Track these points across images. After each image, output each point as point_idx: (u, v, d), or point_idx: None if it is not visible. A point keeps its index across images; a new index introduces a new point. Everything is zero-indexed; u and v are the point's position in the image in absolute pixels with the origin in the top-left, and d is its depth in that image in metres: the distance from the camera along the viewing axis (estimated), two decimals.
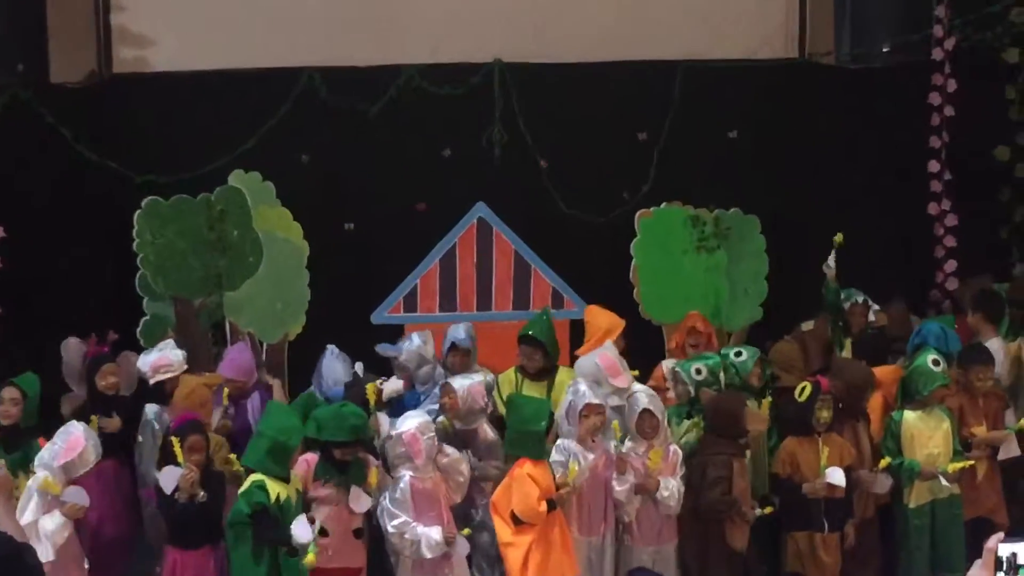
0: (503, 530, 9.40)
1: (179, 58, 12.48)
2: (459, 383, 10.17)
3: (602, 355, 10.43)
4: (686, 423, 10.50)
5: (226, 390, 10.82)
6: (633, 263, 12.70)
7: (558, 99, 12.57)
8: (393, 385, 10.75)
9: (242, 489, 9.13)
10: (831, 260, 11.66)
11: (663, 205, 12.71)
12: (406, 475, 9.31)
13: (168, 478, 9.22)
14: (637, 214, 12.68)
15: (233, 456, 9.84)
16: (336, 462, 9.43)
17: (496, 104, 12.52)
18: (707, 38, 12.74)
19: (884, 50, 12.65)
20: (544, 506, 9.27)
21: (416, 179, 12.51)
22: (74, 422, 9.31)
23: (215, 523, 9.33)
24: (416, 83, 12.45)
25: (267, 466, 9.10)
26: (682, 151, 12.62)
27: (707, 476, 9.81)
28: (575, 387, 9.84)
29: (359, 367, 10.76)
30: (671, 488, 9.83)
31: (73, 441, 9.04)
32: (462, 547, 9.46)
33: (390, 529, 9.29)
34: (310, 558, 8.76)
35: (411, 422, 9.46)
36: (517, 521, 9.29)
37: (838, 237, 11.43)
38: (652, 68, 12.64)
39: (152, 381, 10.80)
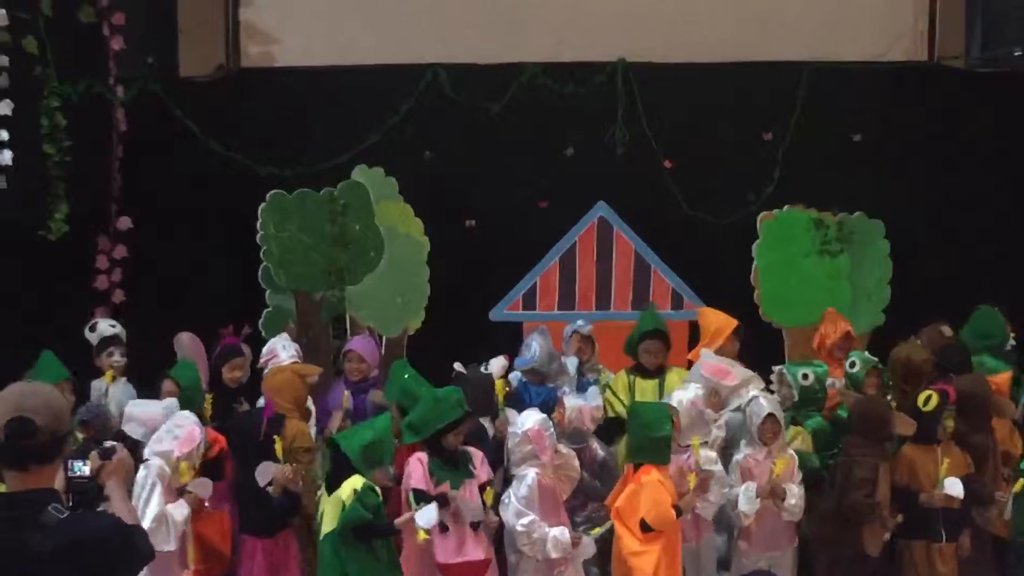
0: (630, 539, 9.26)
1: (305, 53, 12.66)
2: (572, 402, 10.12)
3: (704, 364, 10.42)
4: (791, 429, 10.40)
5: (346, 393, 10.75)
6: (754, 265, 12.70)
7: (682, 99, 12.56)
8: (498, 363, 10.64)
9: (348, 494, 8.83)
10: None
11: (786, 208, 12.70)
12: (531, 472, 9.26)
13: (264, 472, 9.19)
14: (760, 216, 12.69)
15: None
16: (447, 455, 9.36)
17: (619, 103, 12.52)
18: (834, 39, 12.66)
19: (1016, 53, 12.48)
20: (674, 513, 9.22)
21: (538, 177, 12.55)
22: (185, 412, 9.28)
23: (291, 513, 9.37)
24: (539, 81, 12.50)
25: (363, 467, 8.97)
26: (806, 153, 12.56)
27: (853, 477, 9.72)
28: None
29: (458, 366, 10.53)
30: (795, 495, 9.81)
31: (190, 433, 9.06)
32: (589, 548, 9.43)
33: (519, 528, 9.20)
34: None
35: (533, 419, 9.48)
36: (646, 529, 9.16)
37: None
38: (777, 69, 12.60)
39: (262, 369, 10.82)
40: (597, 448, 10.21)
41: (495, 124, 12.51)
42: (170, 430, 9.08)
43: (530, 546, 9.25)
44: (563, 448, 9.61)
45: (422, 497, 9.18)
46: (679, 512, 9.22)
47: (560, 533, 9.22)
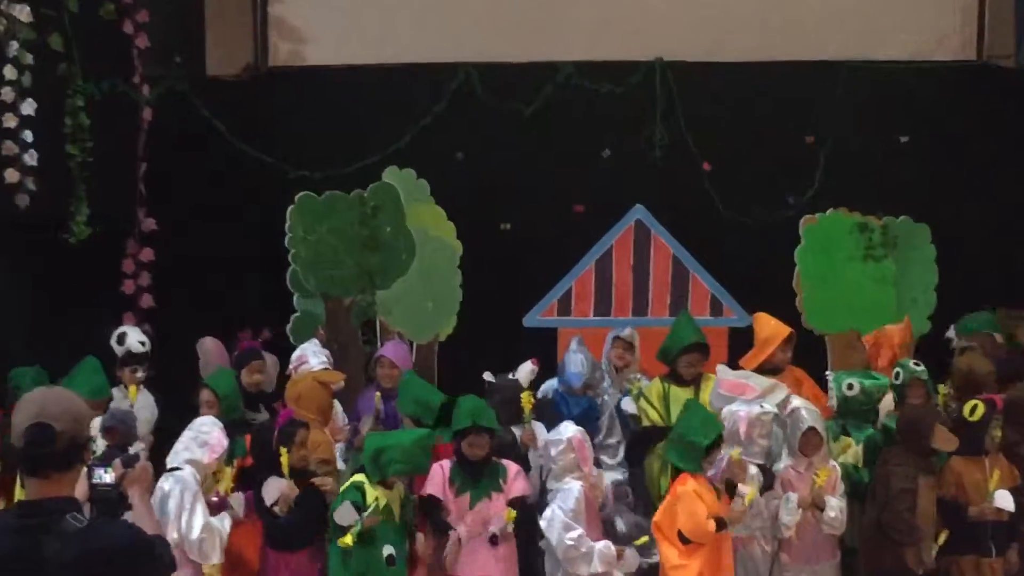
0: (669, 552, 9.23)
1: (335, 52, 12.55)
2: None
3: (720, 382, 10.30)
4: (842, 440, 10.40)
5: (377, 395, 10.78)
6: (796, 270, 12.63)
7: (721, 99, 12.45)
8: (526, 370, 10.62)
9: (342, 488, 9.18)
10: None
11: (829, 211, 12.61)
12: (576, 485, 9.27)
13: (271, 489, 9.19)
14: (802, 220, 12.61)
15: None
16: (471, 467, 9.42)
17: (657, 104, 12.43)
18: (879, 38, 12.52)
19: None
20: (712, 525, 9.10)
21: (573, 179, 12.45)
22: (206, 418, 9.38)
23: (316, 529, 9.30)
24: (574, 80, 12.41)
25: (369, 469, 9.11)
26: (850, 155, 12.44)
27: (891, 488, 9.67)
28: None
29: (487, 376, 10.62)
30: (835, 508, 9.73)
31: (219, 439, 9.11)
32: (632, 560, 9.38)
33: (567, 542, 9.18)
34: (347, 540, 8.82)
35: (572, 428, 9.51)
36: (684, 541, 9.13)
37: None
38: (820, 68, 12.44)
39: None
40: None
41: (529, 125, 12.42)
42: (195, 437, 9.10)
43: (577, 560, 9.18)
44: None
45: (428, 505, 9.36)
46: (722, 525, 9.12)
47: (605, 547, 9.18)
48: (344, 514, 8.79)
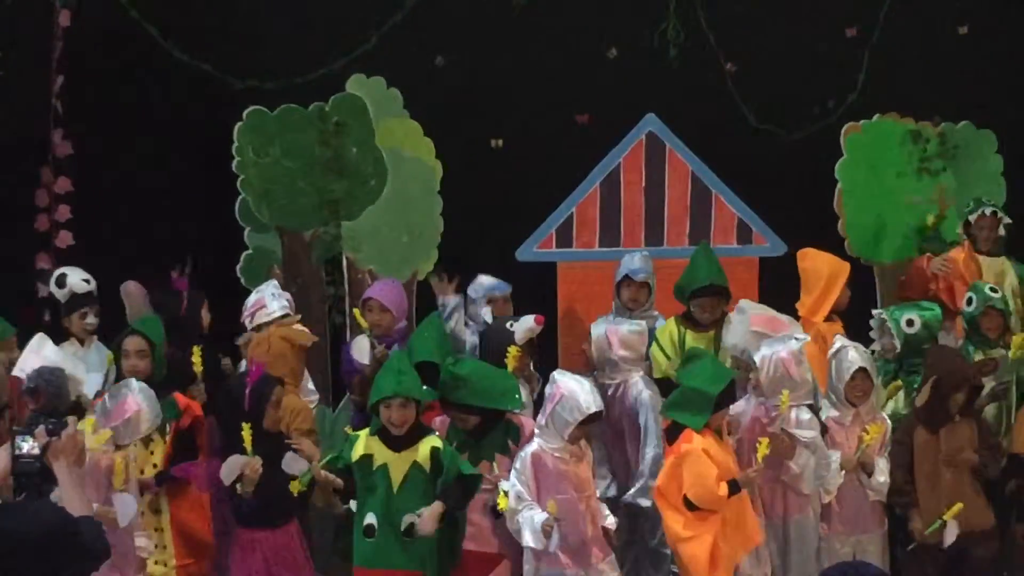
0: (675, 522, 8.90)
1: None
2: (597, 329, 10.16)
3: (753, 319, 9.98)
4: (891, 385, 10.20)
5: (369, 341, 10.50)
6: (838, 188, 12.28)
7: None
8: (525, 325, 10.15)
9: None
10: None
11: (876, 118, 12.30)
12: (529, 448, 8.91)
13: (231, 468, 8.89)
14: (844, 128, 12.27)
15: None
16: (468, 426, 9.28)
17: None
18: None
19: None
20: (724, 488, 8.76)
21: (574, 85, 12.10)
22: (133, 381, 9.06)
23: (287, 501, 9.06)
24: None
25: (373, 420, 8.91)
26: (900, 51, 12.20)
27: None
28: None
29: (485, 314, 10.51)
30: (884, 471, 9.48)
31: (122, 405, 8.83)
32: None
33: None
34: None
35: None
36: (692, 507, 8.81)
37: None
38: None
39: (249, 328, 10.40)
40: (639, 384, 10.06)
41: (521, 21, 12.00)
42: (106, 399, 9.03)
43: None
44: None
45: None
46: (735, 488, 8.80)
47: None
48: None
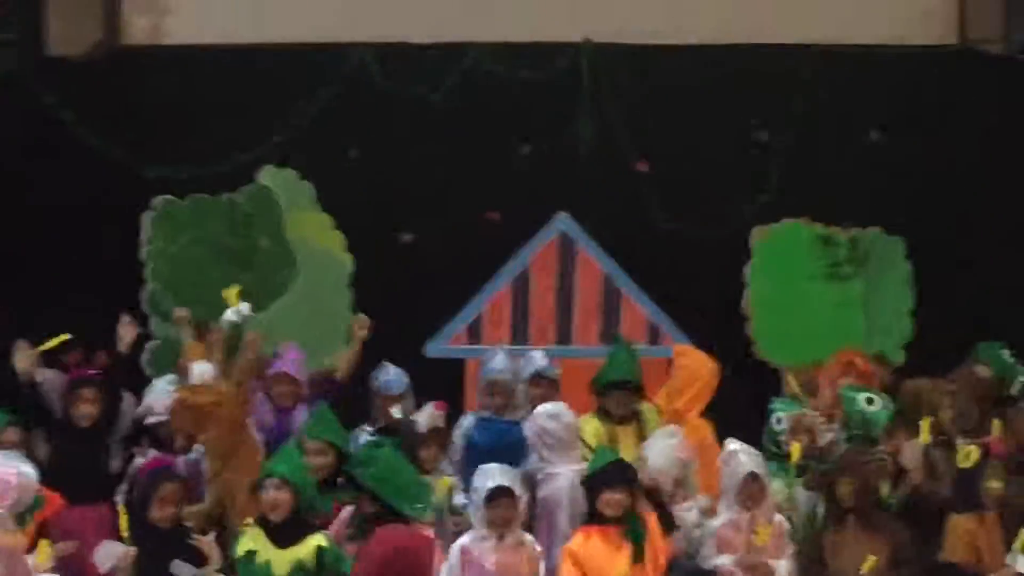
0: None
1: (202, 29, 12.40)
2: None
3: (681, 446, 9.86)
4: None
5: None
6: (747, 291, 12.37)
7: (660, 89, 12.21)
8: (427, 414, 10.24)
9: None
10: None
11: (786, 222, 12.39)
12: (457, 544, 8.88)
13: (106, 555, 8.73)
14: (753, 231, 12.36)
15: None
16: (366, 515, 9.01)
17: (584, 93, 12.21)
18: (845, 18, 12.38)
19: None
20: None
21: (486, 182, 12.21)
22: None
23: None
24: (487, 65, 12.20)
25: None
26: (811, 155, 12.25)
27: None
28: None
29: (395, 412, 10.23)
30: (784, 570, 9.40)
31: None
32: None
33: None
34: None
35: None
36: None
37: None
38: (776, 53, 12.32)
39: (147, 423, 10.32)
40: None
41: (435, 118, 12.17)
42: None
43: None
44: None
45: None
46: None
47: None
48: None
